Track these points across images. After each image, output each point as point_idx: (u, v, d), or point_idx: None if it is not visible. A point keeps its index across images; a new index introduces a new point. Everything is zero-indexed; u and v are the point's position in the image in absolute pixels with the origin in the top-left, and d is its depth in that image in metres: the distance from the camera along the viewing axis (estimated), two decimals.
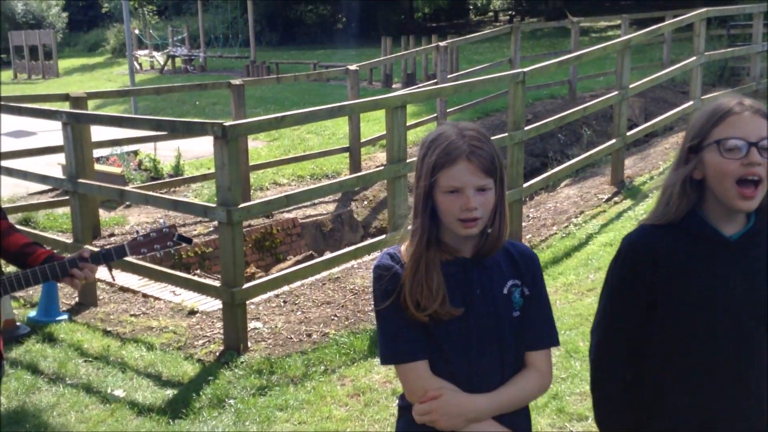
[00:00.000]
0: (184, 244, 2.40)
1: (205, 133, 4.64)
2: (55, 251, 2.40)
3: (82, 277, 2.28)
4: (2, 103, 6.42)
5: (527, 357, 1.76)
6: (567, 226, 6.86)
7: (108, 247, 2.38)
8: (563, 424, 3.38)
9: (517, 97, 6.59)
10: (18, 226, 3.23)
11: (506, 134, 6.63)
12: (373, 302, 1.75)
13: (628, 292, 1.79)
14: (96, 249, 2.35)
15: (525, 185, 6.83)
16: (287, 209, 8.74)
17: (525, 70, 6.90)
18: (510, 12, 35.10)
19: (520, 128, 6.65)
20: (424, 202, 1.69)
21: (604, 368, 1.86)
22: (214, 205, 4.69)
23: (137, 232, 2.42)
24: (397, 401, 1.86)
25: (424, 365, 1.69)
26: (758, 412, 1.74)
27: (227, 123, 4.52)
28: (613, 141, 7.94)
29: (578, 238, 6.33)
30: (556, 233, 6.77)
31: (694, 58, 9.31)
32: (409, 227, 1.74)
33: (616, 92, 7.91)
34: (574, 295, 5.05)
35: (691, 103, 9.22)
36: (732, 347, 1.70)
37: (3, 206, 2.47)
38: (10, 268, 2.53)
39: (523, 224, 7.28)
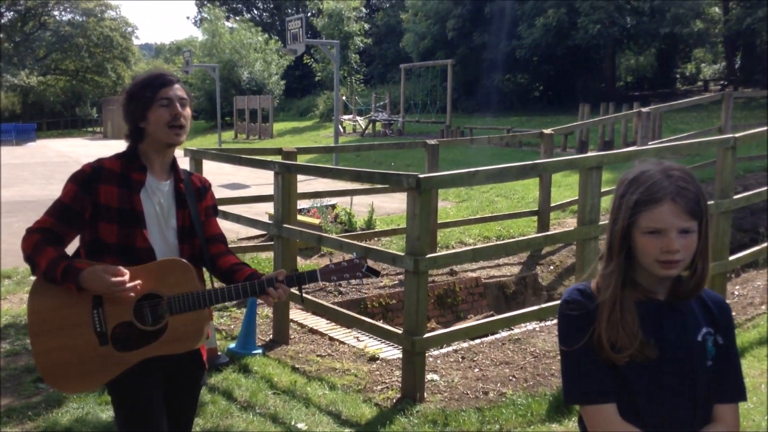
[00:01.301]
0: (372, 276, 2.52)
1: (400, 184, 4.85)
2: (258, 271, 2.63)
3: (276, 296, 2.47)
4: (225, 154, 7.19)
5: (715, 410, 1.65)
6: None
7: (302, 272, 2.56)
8: None
9: (726, 163, 6.20)
10: None
11: (712, 202, 6.22)
12: (559, 339, 1.72)
13: None
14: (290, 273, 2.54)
15: (731, 258, 6.32)
16: (471, 269, 8.79)
17: (737, 135, 6.48)
18: (722, 81, 33.14)
19: (728, 197, 6.22)
20: (621, 241, 1.65)
21: None
22: (402, 254, 4.85)
23: (330, 260, 2.59)
24: None
25: (613, 409, 1.64)
26: None
27: (421, 175, 4.70)
28: None
29: None
30: (765, 313, 6.15)
31: None
32: (600, 266, 1.71)
33: None
34: None
35: None
36: None
37: None
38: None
39: (728, 301, 6.70)
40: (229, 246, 2.85)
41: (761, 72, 30.00)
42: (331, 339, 6.26)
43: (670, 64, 36.61)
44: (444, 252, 5.81)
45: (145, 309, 2.48)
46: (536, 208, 9.94)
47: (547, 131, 10.25)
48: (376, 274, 2.54)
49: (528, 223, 10.23)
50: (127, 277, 2.38)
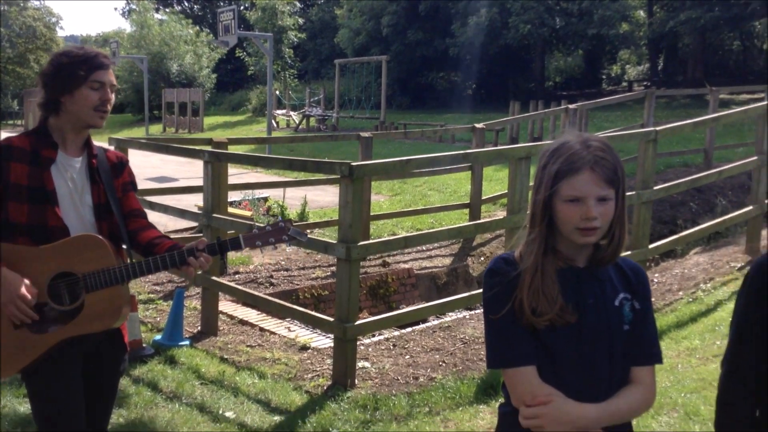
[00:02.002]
0: (298, 239, 2.47)
1: (333, 171, 4.83)
2: (179, 242, 2.56)
3: (197, 265, 2.42)
4: (153, 143, 7.01)
5: (632, 372, 1.71)
6: (694, 292, 6.49)
7: (224, 239, 2.50)
8: None
9: (647, 156, 6.41)
10: None
11: (634, 192, 6.44)
12: (483, 306, 1.75)
13: (756, 320, 1.70)
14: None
15: (651, 246, 6.56)
16: (404, 260, 8.84)
17: (657, 128, 6.72)
18: (645, 82, 34.37)
19: (649, 188, 6.44)
20: (543, 210, 1.69)
21: (730, 402, 1.77)
22: (334, 242, 4.84)
23: (254, 225, 2.53)
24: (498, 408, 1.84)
25: (534, 371, 1.67)
26: None
27: (354, 163, 4.70)
28: (750, 208, 7.50)
29: (706, 304, 5.97)
30: (682, 298, 6.42)
31: None
32: (523, 234, 1.75)
33: (755, 157, 7.51)
34: (698, 360, 4.74)
35: None
36: None
37: None
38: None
39: None
40: None
41: (682, 73, 31.27)
42: (262, 330, 6.19)
43: (596, 65, 37.74)
44: (376, 240, 5.82)
45: (61, 289, 2.40)
46: (468, 201, 10.07)
47: (479, 125, 10.41)
48: (303, 236, 2.49)
49: (460, 215, 10.37)
50: (27, 309, 2.34)
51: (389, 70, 27.07)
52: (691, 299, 6.31)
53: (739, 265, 7.13)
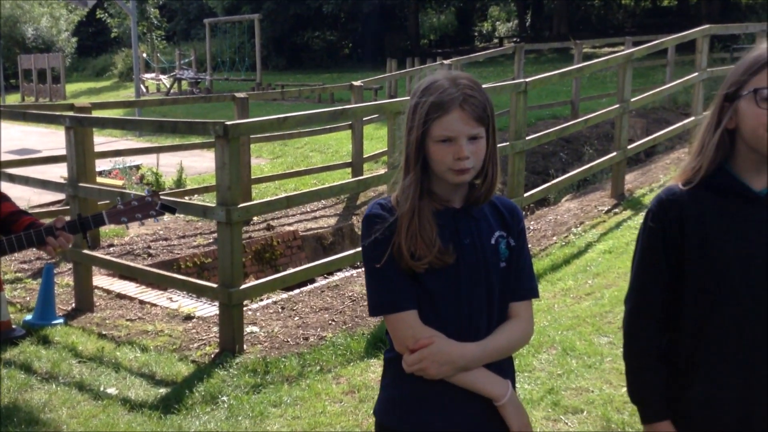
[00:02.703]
0: (168, 213, 2.36)
1: (207, 132, 4.65)
2: (38, 219, 2.38)
3: (57, 245, 2.26)
4: (8, 110, 6.46)
5: (511, 308, 1.75)
6: (567, 236, 6.83)
7: (86, 216, 2.35)
8: (558, 416, 3.32)
9: (518, 107, 6.61)
10: None
11: (507, 143, 6.64)
12: (363, 253, 1.72)
13: (657, 254, 1.73)
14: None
15: (525, 195, 6.82)
16: (288, 222, 8.74)
17: (527, 80, 6.93)
18: (515, 39, 35.43)
19: (522, 138, 6.66)
20: (417, 152, 1.66)
21: (636, 336, 1.80)
22: (213, 205, 4.68)
23: (118, 200, 2.39)
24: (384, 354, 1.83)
25: (414, 315, 1.67)
26: None
27: (229, 122, 4.53)
28: (614, 154, 7.94)
29: (577, 247, 6.30)
30: (555, 243, 6.74)
31: (696, 74, 9.34)
32: (399, 178, 1.72)
33: (617, 105, 7.92)
34: (572, 299, 5.01)
35: (692, 119, 9.22)
36: (757, 302, 1.64)
37: None
38: None
39: None
40: None
41: (549, 29, 32.45)
42: (142, 302, 5.94)
43: (468, 22, 38.47)
44: (257, 201, 5.69)
45: None
46: (350, 161, 10.06)
47: (357, 83, 10.36)
48: (171, 211, 2.38)
49: (343, 175, 10.34)
50: None
51: (263, 30, 26.36)
52: (564, 243, 6.63)
53: (606, 209, 7.56)
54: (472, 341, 1.68)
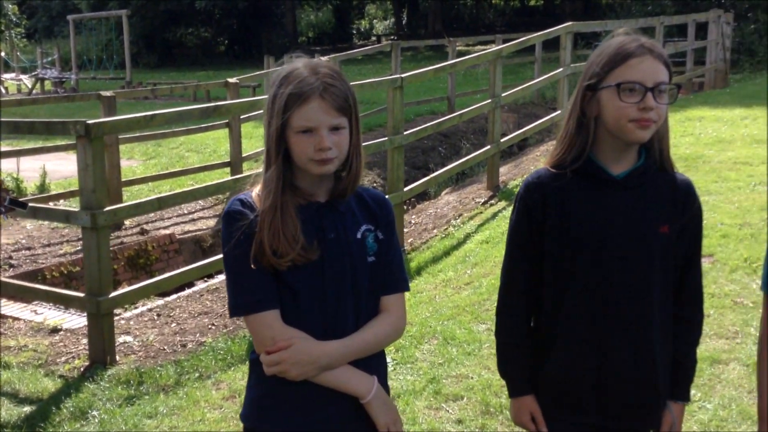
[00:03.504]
0: (19, 210, 2.17)
1: (67, 132, 4.36)
2: None
3: None
4: None
5: (382, 301, 1.72)
6: (446, 228, 6.97)
7: None
8: (440, 405, 3.36)
9: (395, 102, 6.66)
10: None
11: (386, 138, 6.68)
12: (223, 252, 1.64)
13: (524, 235, 1.79)
14: None
15: (405, 189, 6.89)
16: (164, 225, 8.40)
17: (403, 75, 7.00)
18: (392, 36, 35.90)
19: (400, 132, 6.72)
20: (278, 144, 1.60)
21: (507, 314, 1.86)
22: (77, 210, 4.40)
23: None
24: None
25: (275, 315, 1.61)
26: (650, 352, 1.76)
27: (91, 121, 4.27)
28: (488, 147, 8.17)
29: (457, 238, 6.44)
30: (436, 235, 6.86)
31: (561, 69, 9.79)
32: (261, 171, 1.65)
33: (489, 101, 8.17)
34: (453, 289, 5.11)
35: (559, 112, 9.66)
36: (623, 285, 1.72)
37: None
38: None
39: (405, 229, 7.34)
40: None
41: (424, 27, 33.12)
42: (2, 316, 5.51)
43: (346, 20, 38.59)
44: (125, 204, 5.40)
45: None
46: (228, 160, 9.79)
47: (233, 80, 10.10)
48: (22, 206, 2.19)
49: (222, 175, 10.03)
50: None
51: (132, 27, 25.27)
52: (444, 235, 6.76)
53: (482, 201, 7.77)
54: (339, 339, 1.63)
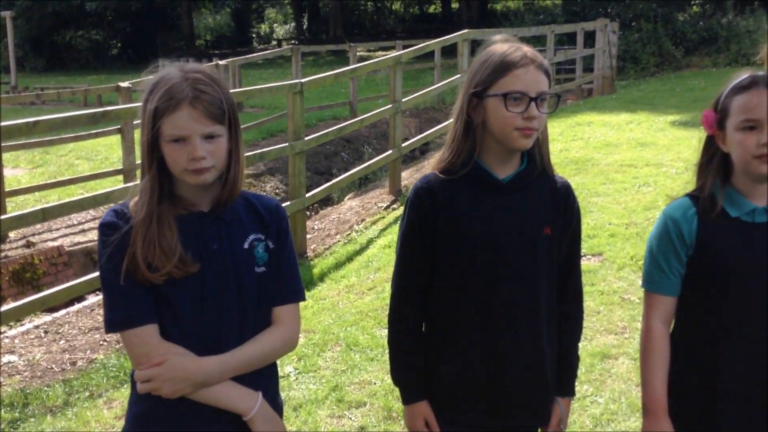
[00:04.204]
0: None
1: None
2: None
3: None
4: None
5: (273, 313, 1.68)
6: (349, 234, 6.96)
7: None
8: (342, 412, 3.34)
9: (296, 107, 6.59)
10: None
11: (287, 144, 6.60)
12: (99, 266, 1.56)
13: (415, 241, 1.79)
14: None
15: (308, 195, 6.83)
16: (52, 237, 7.97)
17: (303, 80, 6.95)
18: (293, 41, 35.67)
19: (301, 138, 6.65)
20: (150, 153, 1.54)
21: (399, 321, 1.85)
22: None
23: None
24: None
25: (152, 330, 1.54)
26: (539, 350, 1.80)
27: None
28: (390, 152, 8.24)
29: (359, 243, 6.44)
30: (339, 241, 6.84)
31: (459, 75, 10.00)
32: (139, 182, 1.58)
33: (390, 105, 8.23)
34: (356, 294, 5.09)
35: None
36: (512, 286, 1.76)
37: None
38: None
39: (308, 236, 7.27)
40: None
41: (325, 32, 33.12)
42: None
43: (245, 23, 38.04)
44: (5, 216, 5.08)
45: None
46: (121, 167, 9.41)
47: (124, 84, 9.74)
48: None
49: (114, 183, 9.64)
50: None
51: (17, 29, 23.94)
52: (346, 241, 6.75)
53: (385, 205, 7.81)
54: (221, 354, 1.58)
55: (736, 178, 1.78)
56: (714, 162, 1.81)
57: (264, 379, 1.66)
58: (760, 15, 18.47)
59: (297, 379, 3.79)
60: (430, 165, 1.86)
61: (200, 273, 1.55)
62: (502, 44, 1.76)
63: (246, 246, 1.62)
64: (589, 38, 15.60)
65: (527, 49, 1.74)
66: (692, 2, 22.91)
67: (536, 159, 1.80)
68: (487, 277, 1.75)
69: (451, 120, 1.82)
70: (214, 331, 1.58)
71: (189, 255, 1.54)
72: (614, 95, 14.34)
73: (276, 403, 1.69)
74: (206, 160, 1.52)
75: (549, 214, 1.79)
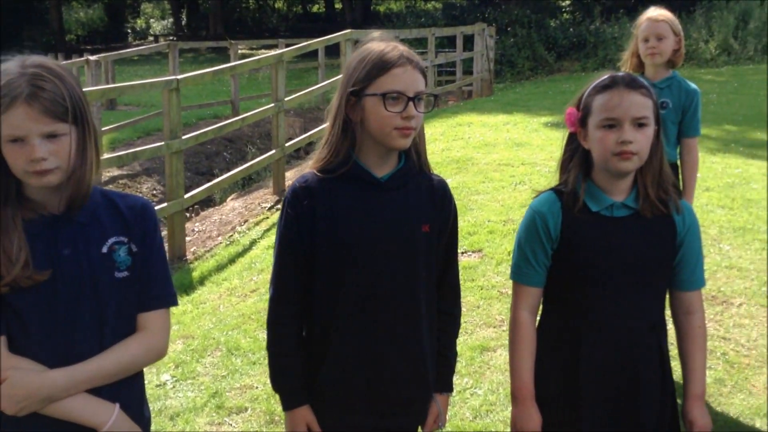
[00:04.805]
0: None
1: None
2: None
3: None
4: None
5: (138, 319, 1.58)
6: (232, 235, 6.81)
7: None
8: (222, 419, 3.24)
9: (171, 105, 6.36)
10: None
11: (163, 143, 6.36)
12: None
13: (294, 242, 1.74)
14: None
15: (187, 196, 6.61)
16: None
17: (179, 77, 6.72)
18: (171, 37, 34.54)
19: (178, 137, 6.43)
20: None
21: (278, 324, 1.79)
22: None
23: None
24: None
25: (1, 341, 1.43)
26: (419, 348, 1.80)
27: None
28: (273, 152, 8.12)
29: (242, 245, 6.30)
30: (221, 242, 6.67)
31: (342, 76, 10.00)
32: None
33: (272, 104, 8.11)
34: (238, 297, 4.98)
35: None
36: (391, 285, 1.75)
37: None
38: None
39: (188, 238, 7.05)
40: None
41: (205, 28, 32.30)
42: None
43: (119, 18, 36.46)
44: None
45: None
46: None
47: None
48: None
49: None
50: None
51: None
52: (229, 242, 6.59)
53: (268, 206, 7.69)
54: (77, 365, 1.48)
55: (597, 174, 1.86)
56: (576, 158, 1.89)
57: (123, 390, 1.56)
58: (624, 23, 19.70)
59: (174, 387, 3.64)
60: (307, 165, 1.83)
61: (51, 280, 1.45)
62: (378, 42, 1.75)
63: (104, 250, 1.53)
64: (469, 42, 16.08)
65: (403, 49, 1.75)
66: (563, 9, 24.14)
67: (413, 157, 1.80)
68: (365, 276, 1.74)
69: (329, 118, 1.79)
70: (68, 341, 1.48)
71: (38, 261, 1.43)
72: (492, 97, 14.85)
73: (142, 416, 1.61)
74: (48, 161, 1.41)
75: (427, 211, 1.80)
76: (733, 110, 11.09)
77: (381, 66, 1.69)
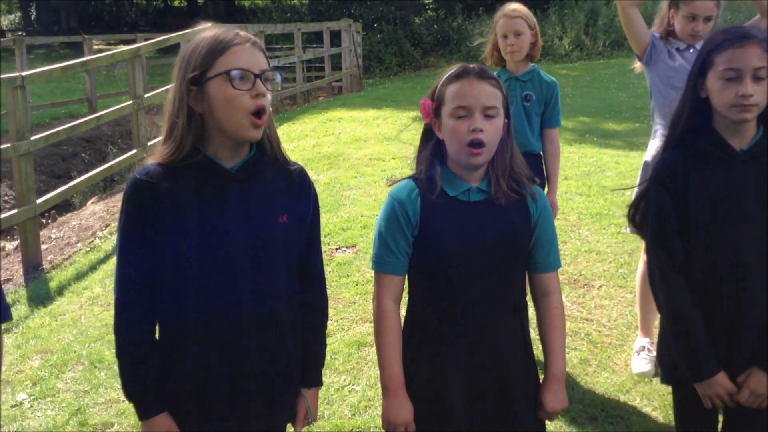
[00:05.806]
0: None
1: None
2: None
3: None
4: None
5: None
6: (92, 241, 6.41)
7: None
8: None
9: (17, 104, 5.90)
10: None
11: (9, 145, 5.88)
12: None
13: (137, 239, 1.64)
14: None
15: (39, 201, 6.15)
16: None
17: (24, 73, 6.24)
18: (20, 32, 32.20)
19: (26, 138, 5.97)
20: None
21: (126, 329, 1.67)
22: None
23: None
24: None
25: None
26: (283, 344, 1.74)
27: None
28: (134, 151, 7.75)
29: (104, 251, 5.95)
30: (80, 249, 6.26)
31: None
32: None
33: (131, 102, 7.72)
34: (100, 306, 4.68)
35: None
36: (247, 278, 1.67)
37: None
38: None
39: (44, 246, 6.57)
40: None
41: (58, 23, 30.38)
42: None
43: None
44: None
45: None
46: None
47: None
48: None
49: None
50: None
51: None
52: (89, 249, 6.20)
53: None
54: None
55: (451, 163, 1.88)
56: (430, 147, 1.90)
57: None
58: (484, 19, 20.42)
59: (32, 406, 3.37)
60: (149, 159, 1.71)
61: None
62: (210, 30, 1.68)
63: None
64: (336, 38, 16.07)
65: (240, 31, 1.69)
66: (426, 7, 24.69)
67: (267, 146, 1.74)
68: (220, 272, 1.65)
69: (166, 113, 1.68)
70: None
71: None
72: (362, 93, 14.94)
73: None
74: None
75: (285, 201, 1.74)
76: (587, 103, 11.78)
77: (218, 47, 1.62)
